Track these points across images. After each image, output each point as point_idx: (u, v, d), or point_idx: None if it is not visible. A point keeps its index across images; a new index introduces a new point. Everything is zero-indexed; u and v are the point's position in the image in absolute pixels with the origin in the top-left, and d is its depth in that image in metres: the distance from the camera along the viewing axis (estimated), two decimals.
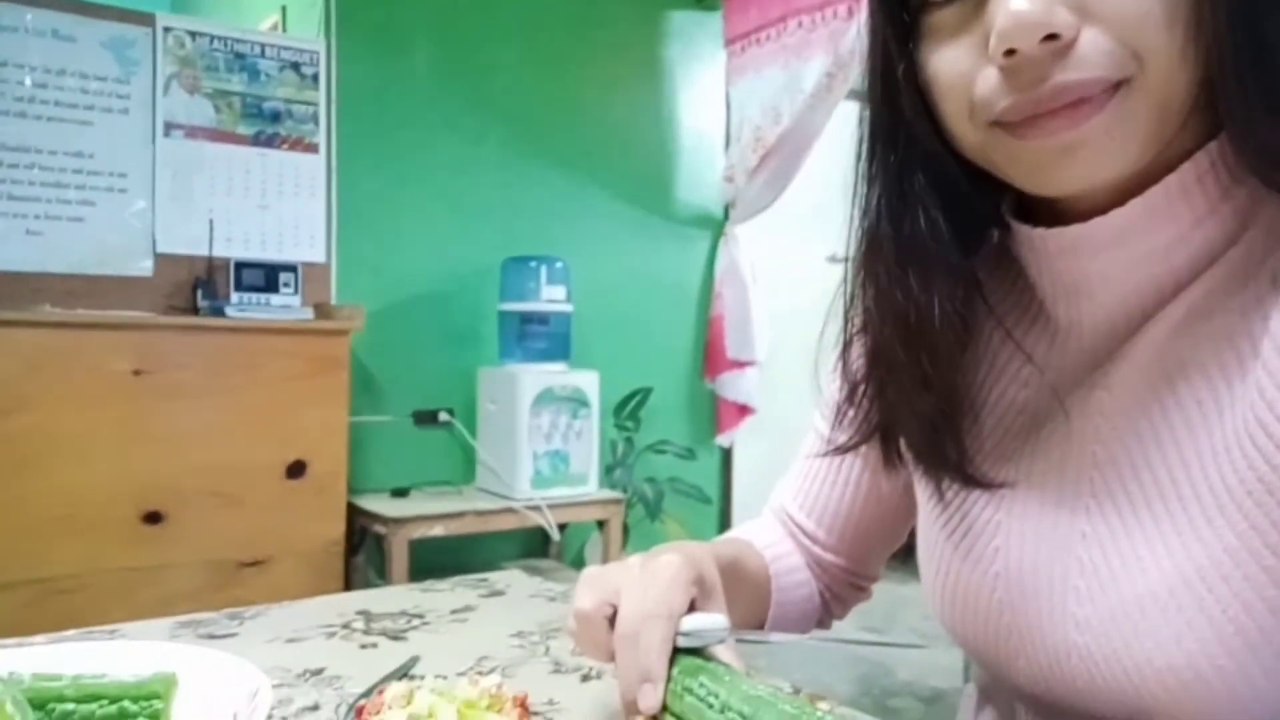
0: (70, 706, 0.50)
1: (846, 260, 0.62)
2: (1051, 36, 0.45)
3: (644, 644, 0.54)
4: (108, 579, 2.05)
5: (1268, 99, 0.45)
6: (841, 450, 0.68)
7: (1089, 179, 0.50)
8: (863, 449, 0.70)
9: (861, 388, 0.64)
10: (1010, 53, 0.46)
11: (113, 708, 0.51)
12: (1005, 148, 0.51)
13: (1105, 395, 0.56)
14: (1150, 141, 0.49)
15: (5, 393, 1.95)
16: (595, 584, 0.59)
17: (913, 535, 0.73)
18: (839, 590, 0.81)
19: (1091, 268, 0.54)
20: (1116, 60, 0.46)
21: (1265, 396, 0.47)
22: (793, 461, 0.82)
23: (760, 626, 0.77)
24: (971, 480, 0.60)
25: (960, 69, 0.51)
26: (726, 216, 3.47)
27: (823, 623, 0.82)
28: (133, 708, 0.51)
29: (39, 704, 0.49)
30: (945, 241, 0.57)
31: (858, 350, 0.65)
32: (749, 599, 0.74)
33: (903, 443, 0.64)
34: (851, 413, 0.66)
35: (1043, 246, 0.56)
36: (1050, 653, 0.57)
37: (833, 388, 0.71)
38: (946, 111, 0.53)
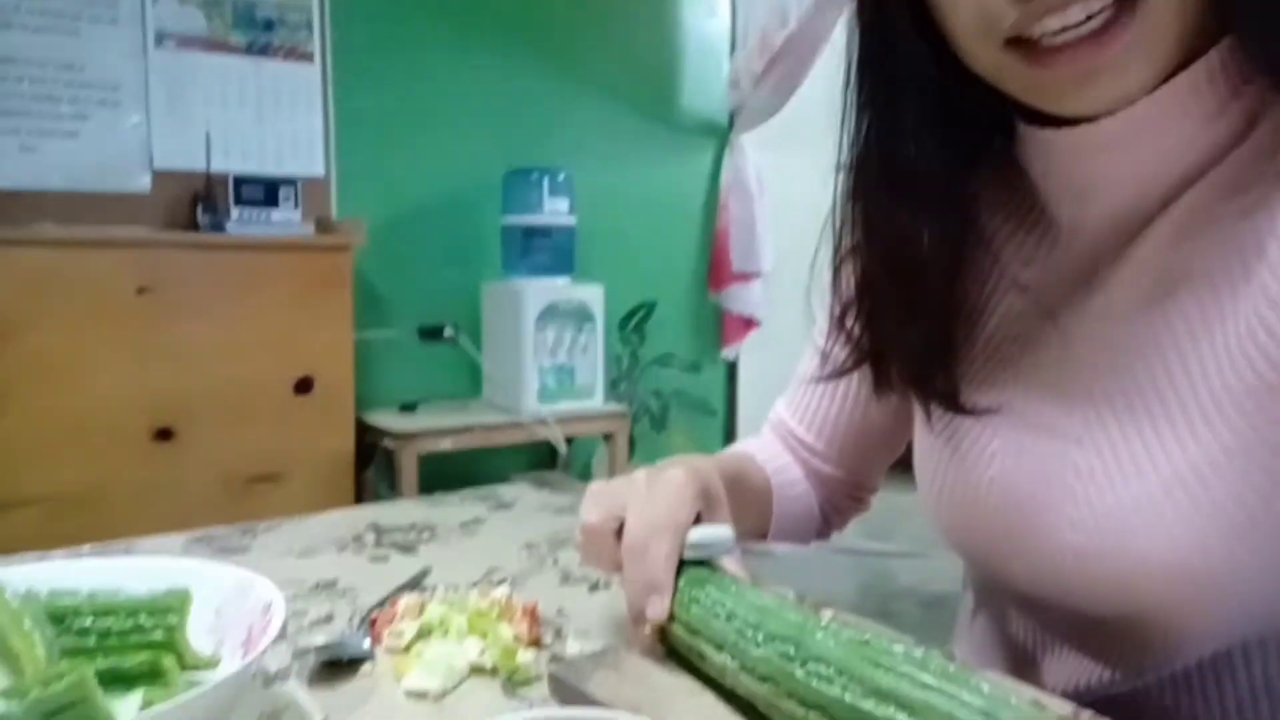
0: (87, 621, 0.51)
1: (835, 184, 0.62)
2: None
3: (651, 555, 0.55)
4: (121, 495, 2.09)
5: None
6: (835, 375, 0.70)
7: (1110, 101, 0.50)
8: (862, 370, 0.70)
9: (852, 313, 0.65)
10: None
11: (128, 622, 0.52)
12: (1022, 76, 0.50)
13: (1104, 300, 0.55)
14: (1168, 59, 0.49)
15: (10, 312, 1.95)
16: (601, 498, 0.60)
17: (909, 446, 0.73)
18: (838, 502, 0.83)
19: (1100, 167, 0.54)
20: None
21: (1269, 295, 0.48)
22: (791, 376, 0.82)
23: (763, 537, 0.78)
24: (961, 409, 0.61)
25: None
26: (732, 124, 3.40)
27: (821, 533, 0.83)
28: (148, 622, 0.52)
29: (56, 619, 0.50)
30: (937, 171, 0.57)
31: (848, 272, 0.65)
32: (752, 511, 0.75)
33: (890, 371, 0.64)
34: (843, 337, 0.66)
35: (1052, 146, 0.55)
36: (1047, 554, 0.57)
37: (826, 311, 0.71)
38: (956, 28, 0.52)
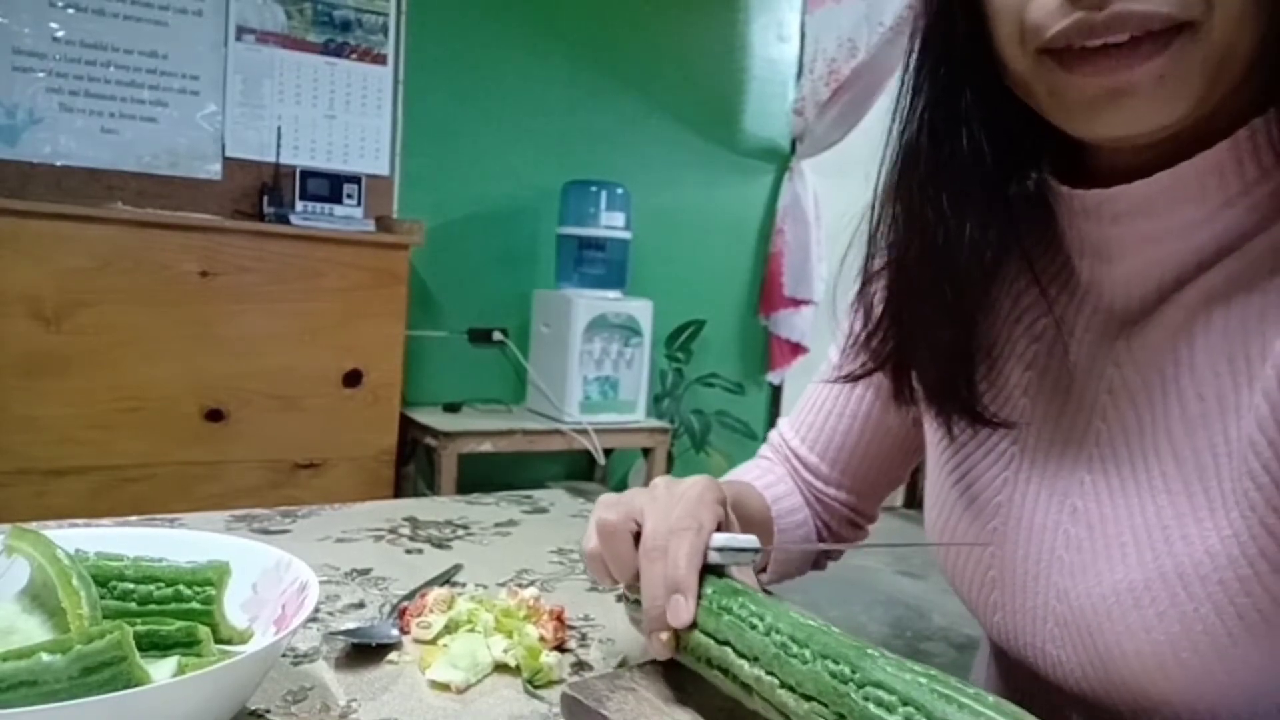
0: (130, 585, 0.53)
1: (876, 184, 0.60)
2: None
3: (673, 556, 0.51)
4: (170, 471, 2.14)
5: None
6: (853, 378, 0.67)
7: (1132, 127, 0.47)
8: (875, 384, 0.69)
9: (880, 317, 0.63)
10: None
11: (169, 590, 0.53)
12: (1052, 80, 0.48)
13: (1115, 371, 0.54)
14: (1201, 98, 0.46)
15: (78, 286, 2.02)
16: (616, 503, 0.57)
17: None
18: (837, 528, 0.80)
19: (1112, 233, 0.53)
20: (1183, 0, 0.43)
21: (1258, 414, 0.46)
22: (799, 397, 0.81)
23: (761, 570, 0.76)
24: (980, 419, 0.59)
25: None
26: (793, 150, 3.39)
27: (818, 564, 0.80)
28: (187, 591, 0.53)
29: (101, 581, 0.52)
30: (985, 165, 0.55)
31: (878, 283, 0.63)
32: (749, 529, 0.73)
33: (915, 378, 0.62)
34: (867, 343, 0.64)
35: (1069, 204, 0.54)
36: (1028, 614, 0.57)
37: (850, 319, 0.70)
38: (998, 33, 0.51)
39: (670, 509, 0.54)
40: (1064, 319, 0.58)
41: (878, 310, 0.63)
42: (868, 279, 0.64)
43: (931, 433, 0.67)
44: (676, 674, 0.55)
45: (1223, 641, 0.48)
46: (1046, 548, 0.56)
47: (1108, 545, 0.53)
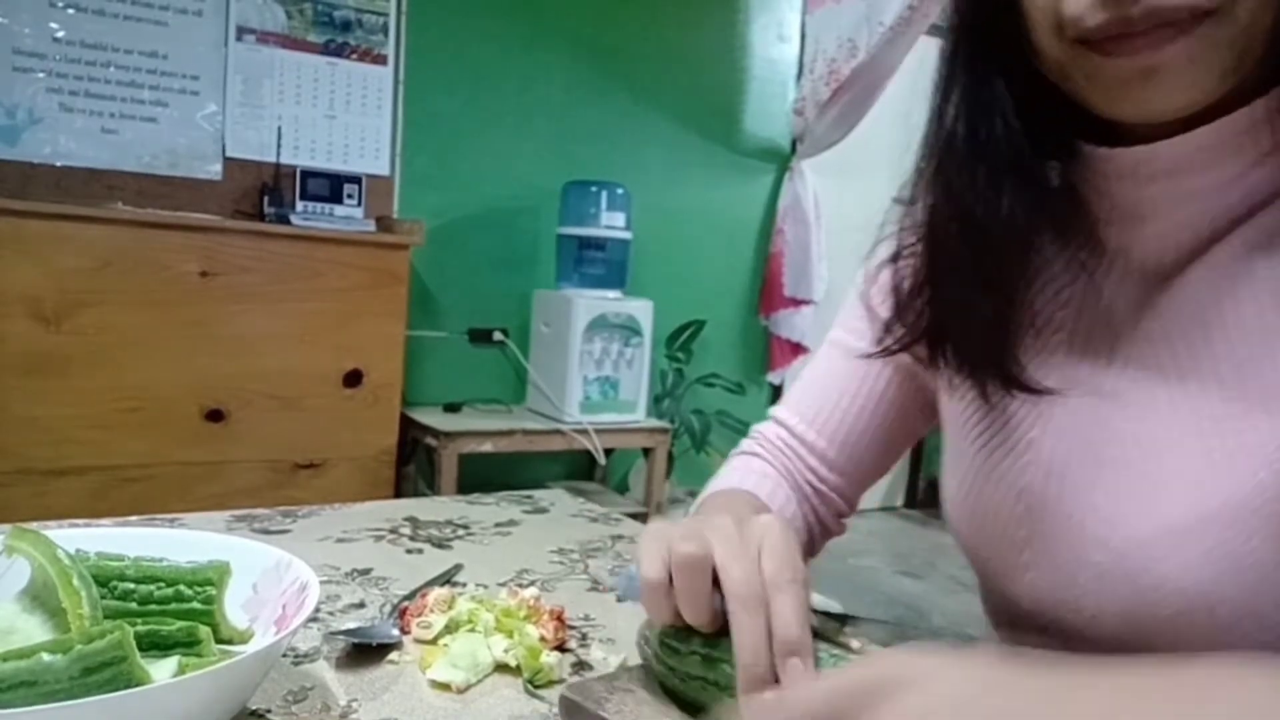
0: (130, 585, 0.53)
1: (916, 170, 0.62)
2: None
3: (782, 612, 0.46)
4: (170, 472, 2.14)
5: None
6: (889, 351, 0.67)
7: (1164, 104, 0.50)
8: (894, 362, 0.70)
9: (913, 293, 0.64)
10: None
11: (169, 590, 0.53)
12: (1088, 65, 0.51)
13: (1155, 323, 0.56)
14: (1228, 74, 0.49)
15: (78, 286, 2.02)
16: (689, 535, 0.50)
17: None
18: (826, 521, 0.78)
19: (1147, 193, 0.55)
20: None
21: None
22: (795, 382, 0.80)
23: None
24: (1020, 385, 0.60)
25: None
26: (793, 150, 3.39)
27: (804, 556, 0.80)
28: (188, 591, 0.53)
29: (102, 581, 0.52)
30: (1020, 146, 0.57)
31: (907, 261, 0.65)
32: None
33: (950, 350, 0.63)
34: (900, 318, 0.65)
35: (1103, 166, 0.56)
36: (1064, 568, 0.57)
37: (873, 299, 0.70)
38: (1034, 24, 0.53)
39: (751, 552, 0.49)
40: (1094, 283, 0.60)
41: (907, 288, 0.65)
42: (897, 256, 0.66)
43: (954, 403, 0.67)
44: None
45: (1272, 575, 0.49)
46: (1084, 498, 0.57)
47: (1152, 488, 0.53)
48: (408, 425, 2.56)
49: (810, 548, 0.78)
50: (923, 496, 4.18)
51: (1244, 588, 0.50)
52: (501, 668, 0.60)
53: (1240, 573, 0.49)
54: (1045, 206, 0.59)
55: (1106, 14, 0.48)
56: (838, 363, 0.76)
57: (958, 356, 0.62)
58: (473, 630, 0.63)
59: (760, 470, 0.77)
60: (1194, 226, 0.54)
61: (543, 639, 0.62)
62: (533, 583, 0.77)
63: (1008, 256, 0.59)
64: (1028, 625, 0.63)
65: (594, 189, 2.80)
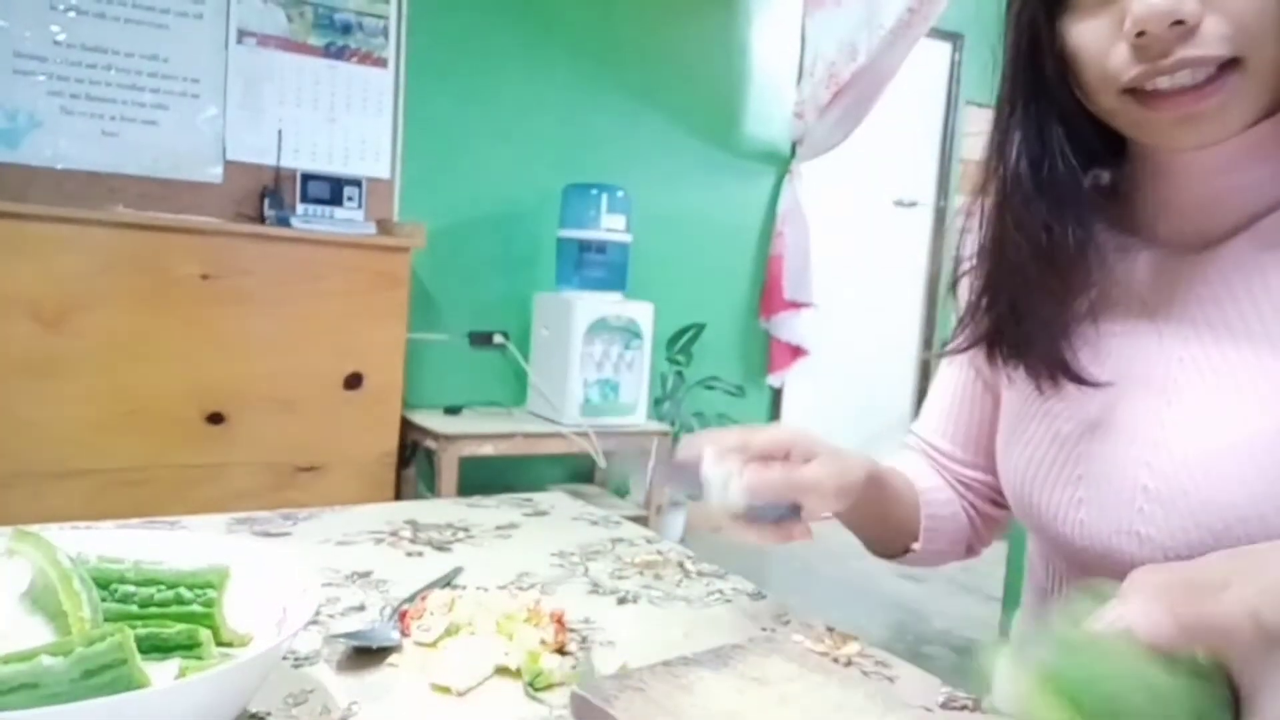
0: (131, 588, 0.53)
1: (981, 206, 0.73)
2: (1178, 22, 0.55)
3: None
4: (171, 474, 2.14)
5: None
6: (955, 351, 0.77)
7: (1202, 142, 0.61)
8: (976, 366, 0.81)
9: (975, 305, 0.74)
10: (1141, 34, 0.56)
11: (169, 593, 0.53)
12: (1134, 115, 0.61)
13: (1204, 287, 0.64)
14: (1258, 110, 0.59)
15: (79, 289, 2.02)
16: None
17: None
18: (983, 508, 0.85)
19: (1208, 187, 0.64)
20: (1232, 42, 0.56)
21: None
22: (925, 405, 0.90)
23: (914, 540, 0.80)
24: (1077, 379, 0.68)
25: (1099, 44, 0.60)
26: (793, 154, 3.40)
27: (973, 549, 0.85)
28: (188, 594, 0.53)
29: (102, 584, 0.52)
30: (1076, 179, 0.68)
31: (965, 279, 0.76)
32: (899, 512, 0.79)
33: (1008, 350, 0.72)
34: (963, 326, 0.75)
35: (1171, 167, 0.65)
36: (1118, 497, 0.64)
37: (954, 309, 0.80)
38: (1087, 79, 0.62)
39: None
40: (1135, 264, 0.69)
41: (968, 299, 0.75)
42: (958, 278, 0.78)
43: (1011, 383, 0.75)
44: (684, 674, 0.57)
45: None
46: (1141, 431, 0.64)
47: (1203, 418, 0.61)
48: (408, 428, 2.56)
49: (975, 534, 0.86)
50: None
51: None
52: (503, 670, 0.60)
53: None
54: (1093, 222, 0.68)
55: (1143, 66, 0.57)
56: (943, 372, 0.87)
57: (1015, 356, 0.72)
58: (473, 633, 0.62)
59: (912, 460, 0.88)
60: (1237, 214, 0.63)
61: (543, 641, 0.62)
62: (533, 585, 0.77)
63: (1071, 272, 0.68)
64: (1084, 564, 0.68)
65: (594, 192, 2.80)
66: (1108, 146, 0.70)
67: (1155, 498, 0.62)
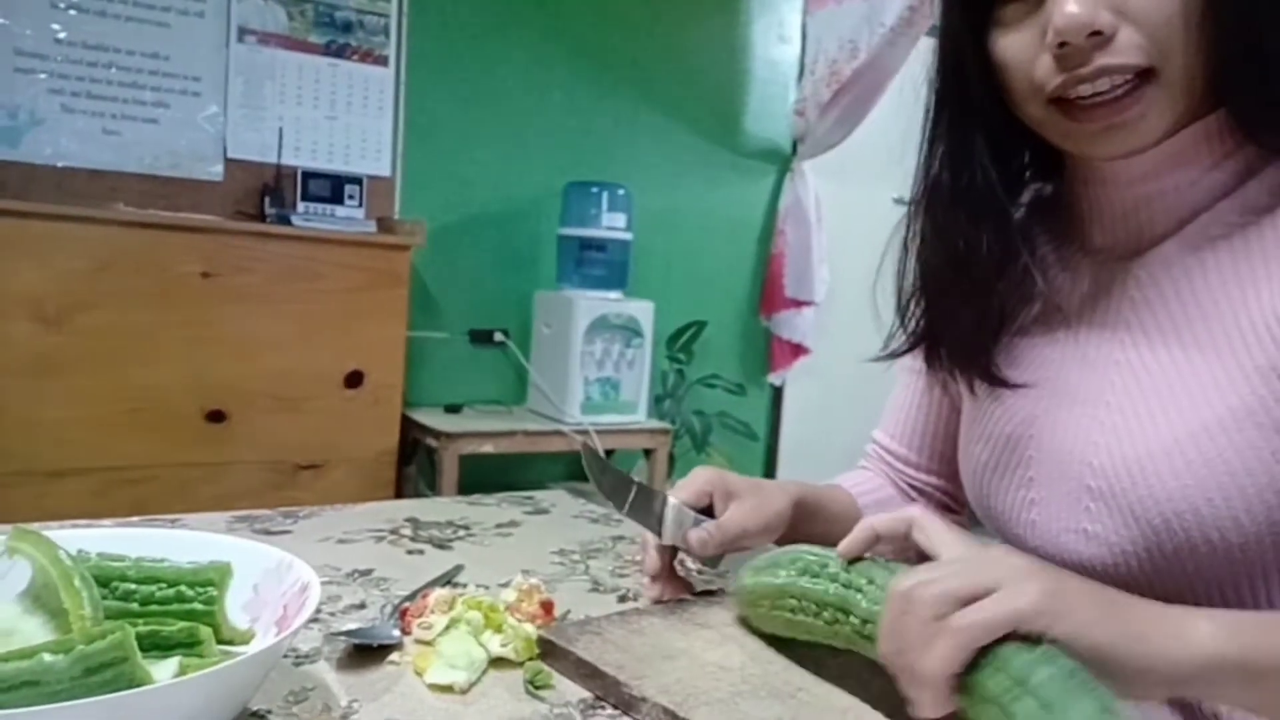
0: (132, 586, 0.53)
1: (910, 203, 0.75)
2: (1095, 33, 0.58)
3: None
4: (171, 473, 2.14)
5: (1260, 88, 0.60)
6: (894, 355, 0.80)
7: (1126, 149, 0.64)
8: (931, 378, 0.82)
9: (908, 306, 0.77)
10: (1063, 44, 0.60)
11: (170, 590, 0.53)
12: (1061, 126, 0.64)
13: (1137, 291, 0.67)
14: (1178, 117, 0.62)
15: (80, 287, 2.02)
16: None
17: None
18: (937, 510, 0.84)
19: (1135, 192, 0.67)
20: (1146, 52, 0.59)
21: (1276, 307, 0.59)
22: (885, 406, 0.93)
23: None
24: (1001, 382, 0.72)
25: (1025, 55, 0.63)
26: (794, 151, 3.39)
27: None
28: (189, 592, 0.53)
29: (103, 581, 0.52)
30: (995, 191, 0.71)
31: (908, 278, 0.77)
32: (839, 529, 0.77)
33: (943, 354, 0.75)
34: (902, 328, 0.78)
35: (1094, 175, 0.69)
36: (1065, 500, 0.67)
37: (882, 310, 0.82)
38: (1015, 89, 0.65)
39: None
40: (1075, 273, 0.72)
41: (911, 299, 0.77)
42: (900, 275, 0.78)
43: (962, 385, 0.78)
44: (636, 621, 0.66)
45: (1244, 487, 0.58)
46: (1083, 436, 0.67)
47: (1139, 419, 0.64)
48: (408, 426, 2.56)
49: None
50: None
51: (1226, 503, 0.59)
52: (498, 662, 0.60)
53: (1221, 488, 0.59)
54: (1017, 232, 0.71)
55: (1065, 75, 0.61)
56: (901, 378, 0.89)
57: (949, 359, 0.75)
58: (466, 629, 0.63)
59: (861, 474, 0.91)
60: (1166, 218, 0.66)
61: (532, 617, 0.64)
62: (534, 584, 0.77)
63: (983, 276, 0.71)
64: None
65: (595, 190, 2.80)
66: (1048, 161, 0.74)
67: (1099, 496, 0.65)
